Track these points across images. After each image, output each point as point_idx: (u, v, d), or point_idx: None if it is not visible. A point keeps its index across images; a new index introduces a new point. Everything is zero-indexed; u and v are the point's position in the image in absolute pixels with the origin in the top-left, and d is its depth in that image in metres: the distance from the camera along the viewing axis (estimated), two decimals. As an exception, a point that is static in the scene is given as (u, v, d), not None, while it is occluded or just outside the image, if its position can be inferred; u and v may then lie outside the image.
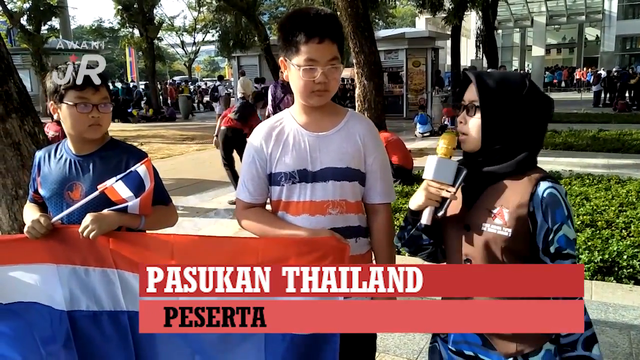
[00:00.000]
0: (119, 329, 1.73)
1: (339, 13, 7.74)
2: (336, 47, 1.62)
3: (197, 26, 34.09)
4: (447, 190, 1.42)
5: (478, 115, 1.42)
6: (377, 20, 27.67)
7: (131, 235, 1.73)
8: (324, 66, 1.59)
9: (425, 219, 1.45)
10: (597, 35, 37.84)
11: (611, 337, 3.25)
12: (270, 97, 7.47)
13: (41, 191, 1.89)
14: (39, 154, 1.94)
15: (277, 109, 7.14)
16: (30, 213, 1.88)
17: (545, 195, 1.37)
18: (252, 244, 1.64)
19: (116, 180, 1.68)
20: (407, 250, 1.62)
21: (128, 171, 1.69)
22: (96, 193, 1.70)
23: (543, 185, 1.38)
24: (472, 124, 1.44)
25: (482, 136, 1.43)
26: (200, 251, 1.66)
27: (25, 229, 1.69)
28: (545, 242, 1.38)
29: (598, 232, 4.79)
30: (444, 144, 1.45)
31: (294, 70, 1.63)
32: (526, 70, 35.35)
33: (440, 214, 1.44)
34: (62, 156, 1.88)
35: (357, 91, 8.31)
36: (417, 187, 5.72)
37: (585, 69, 31.09)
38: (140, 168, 1.69)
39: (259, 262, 1.56)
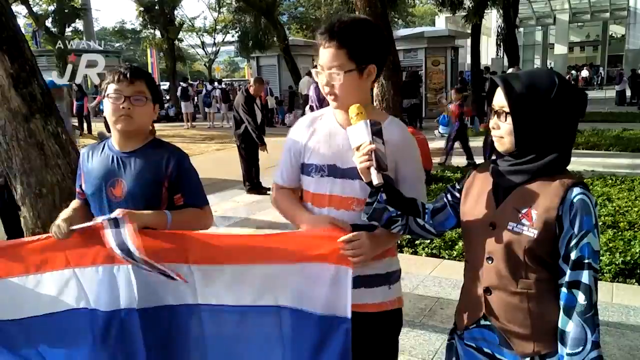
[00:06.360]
0: (129, 328, 1.75)
1: (357, 12, 7.74)
2: (344, 52, 1.60)
3: (217, 27, 34.34)
4: (366, 147, 1.49)
5: (509, 120, 1.41)
6: (396, 20, 27.54)
7: (148, 232, 1.74)
8: (326, 70, 1.64)
9: (375, 179, 1.49)
10: (621, 33, 37.03)
11: (632, 341, 3.19)
12: (314, 98, 7.52)
13: (84, 187, 1.94)
14: (83, 150, 2.00)
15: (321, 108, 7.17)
16: (62, 213, 1.91)
17: (575, 200, 1.35)
18: (259, 240, 1.74)
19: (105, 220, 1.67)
20: (378, 225, 1.64)
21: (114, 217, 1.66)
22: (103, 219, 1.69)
23: (575, 190, 1.36)
24: (505, 129, 1.43)
25: (515, 139, 1.42)
26: (212, 247, 1.71)
27: (52, 232, 1.76)
28: (567, 249, 1.36)
29: (620, 233, 4.71)
30: (352, 115, 1.55)
31: None
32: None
33: (382, 167, 1.49)
34: (105, 153, 1.92)
35: (375, 90, 8.28)
36: (434, 187, 5.69)
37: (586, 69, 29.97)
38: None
39: (269, 251, 1.66)
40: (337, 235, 1.61)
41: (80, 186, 1.97)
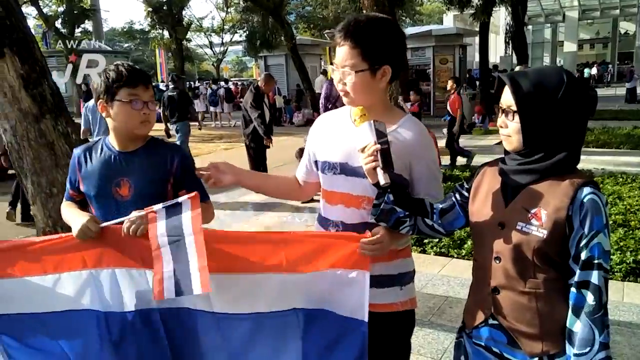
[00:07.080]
0: (152, 327, 1.75)
1: (364, 11, 7.73)
2: (358, 52, 1.59)
3: (225, 27, 34.47)
4: (371, 147, 1.50)
5: (517, 119, 1.40)
6: (404, 18, 27.49)
7: None
8: (339, 69, 1.64)
9: (381, 179, 1.49)
10: (632, 30, 36.68)
11: (643, 340, 3.17)
12: (323, 96, 7.51)
13: (84, 189, 1.92)
14: (77, 152, 1.97)
15: (333, 107, 7.17)
16: (75, 214, 1.85)
17: (585, 200, 1.33)
18: (275, 238, 1.74)
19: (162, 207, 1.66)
20: (386, 225, 1.61)
21: (175, 201, 1.66)
22: (142, 213, 1.68)
23: (585, 190, 1.35)
24: (512, 128, 1.42)
25: (523, 138, 1.41)
26: (226, 254, 1.70)
27: (76, 233, 1.71)
28: (577, 249, 1.35)
29: (631, 232, 4.67)
30: (355, 118, 1.59)
31: None
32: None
33: (388, 167, 1.50)
34: (105, 153, 1.91)
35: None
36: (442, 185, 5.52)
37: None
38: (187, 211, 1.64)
39: (284, 258, 1.64)
40: (356, 235, 1.61)
41: (77, 188, 1.94)
